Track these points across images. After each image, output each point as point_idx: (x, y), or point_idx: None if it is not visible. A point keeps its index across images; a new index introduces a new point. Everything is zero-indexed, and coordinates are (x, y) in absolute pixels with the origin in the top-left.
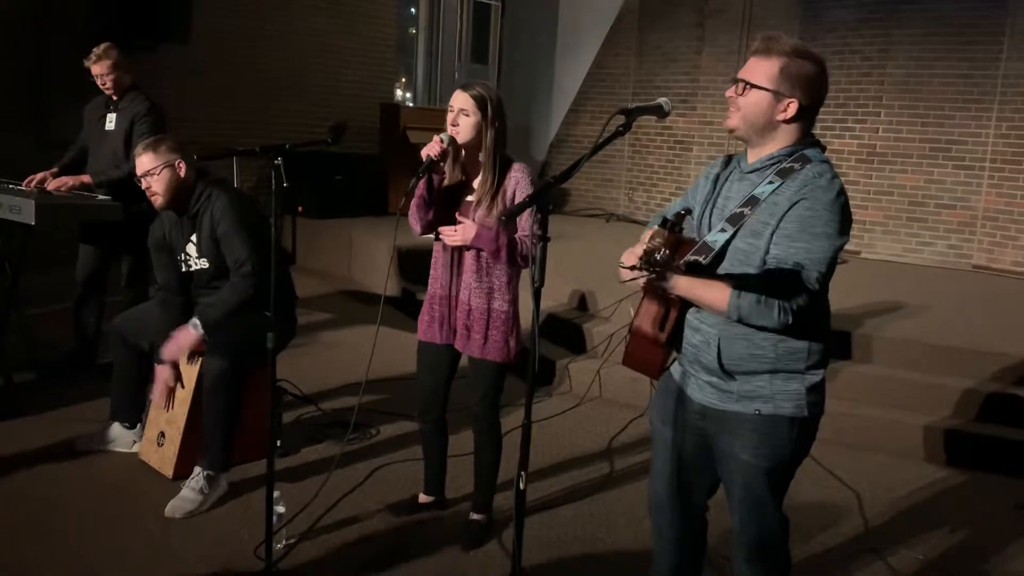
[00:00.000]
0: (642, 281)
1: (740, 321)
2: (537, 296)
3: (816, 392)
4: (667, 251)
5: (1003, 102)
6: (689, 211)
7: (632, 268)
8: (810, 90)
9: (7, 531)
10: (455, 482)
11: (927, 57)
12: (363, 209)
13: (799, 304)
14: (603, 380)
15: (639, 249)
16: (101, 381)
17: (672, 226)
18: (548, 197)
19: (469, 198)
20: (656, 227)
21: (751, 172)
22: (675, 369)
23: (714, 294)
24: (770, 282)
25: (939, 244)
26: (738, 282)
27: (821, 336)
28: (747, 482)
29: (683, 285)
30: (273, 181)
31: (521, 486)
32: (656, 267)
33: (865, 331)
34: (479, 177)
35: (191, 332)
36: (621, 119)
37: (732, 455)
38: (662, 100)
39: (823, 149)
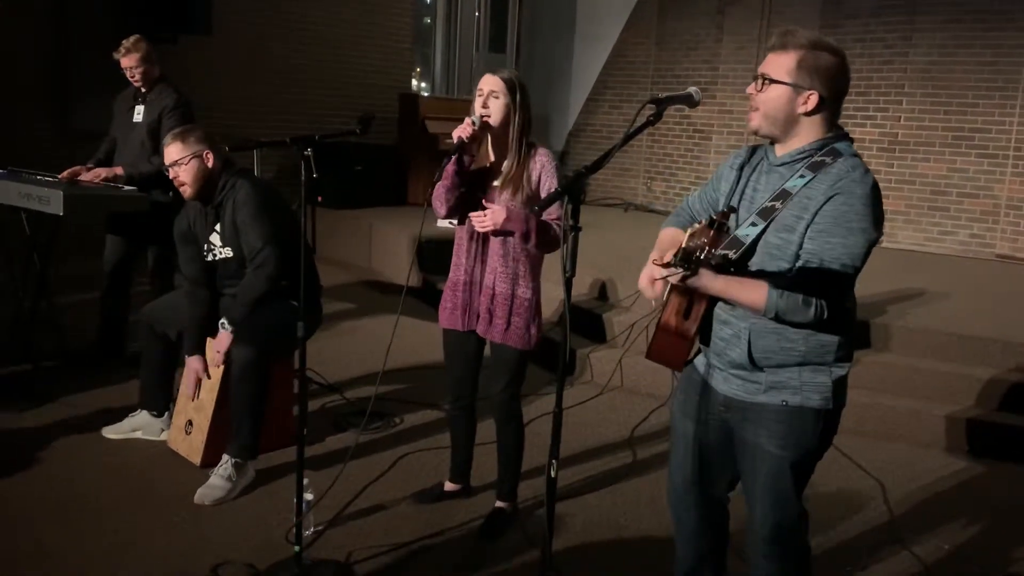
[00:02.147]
0: (675, 279)
1: (777, 318)
2: (569, 285)
3: (841, 385)
4: (711, 251)
5: None
6: (734, 209)
7: (667, 265)
8: (830, 81)
9: (36, 518)
10: (480, 470)
11: (950, 45)
12: (382, 199)
13: (835, 300)
14: (624, 369)
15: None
16: (128, 370)
17: (719, 226)
18: (580, 187)
19: (495, 183)
20: (698, 225)
21: (780, 165)
22: (699, 361)
23: (752, 294)
24: (807, 279)
25: (962, 233)
26: (775, 280)
27: (848, 329)
28: (772, 473)
29: (719, 286)
30: (303, 172)
31: (552, 474)
32: (694, 265)
33: (888, 321)
34: (505, 161)
35: (224, 333)
36: (650, 108)
37: (757, 446)
38: (692, 89)
39: (851, 141)
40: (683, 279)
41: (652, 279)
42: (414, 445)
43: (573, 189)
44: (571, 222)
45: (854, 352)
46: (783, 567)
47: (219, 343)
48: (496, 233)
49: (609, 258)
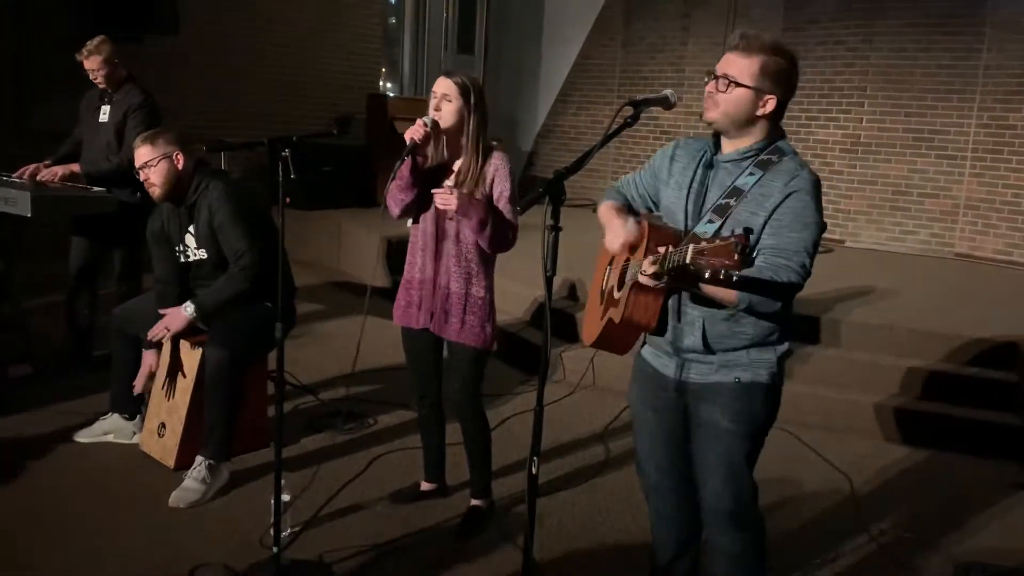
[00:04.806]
0: (656, 284)
1: (747, 309)
2: (549, 284)
3: (782, 362)
4: (716, 268)
5: (984, 93)
6: (751, 231)
7: (653, 276)
8: (787, 85)
9: (8, 526)
10: (455, 469)
11: (910, 48)
12: (351, 200)
13: (796, 288)
14: (596, 368)
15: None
16: (96, 373)
17: (748, 253)
18: (560, 188)
19: (448, 182)
20: (713, 242)
21: (727, 162)
22: (646, 351)
23: (725, 290)
24: (773, 271)
25: (922, 233)
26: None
27: (789, 312)
28: (727, 449)
29: (701, 285)
30: (280, 173)
31: (534, 470)
32: (684, 279)
33: (851, 318)
34: (460, 162)
35: (182, 314)
36: (628, 110)
37: (713, 423)
38: (668, 92)
39: (787, 139)
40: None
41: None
42: (389, 445)
43: (553, 190)
44: (551, 222)
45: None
46: (740, 537)
47: (172, 319)
48: (452, 217)
49: (578, 258)
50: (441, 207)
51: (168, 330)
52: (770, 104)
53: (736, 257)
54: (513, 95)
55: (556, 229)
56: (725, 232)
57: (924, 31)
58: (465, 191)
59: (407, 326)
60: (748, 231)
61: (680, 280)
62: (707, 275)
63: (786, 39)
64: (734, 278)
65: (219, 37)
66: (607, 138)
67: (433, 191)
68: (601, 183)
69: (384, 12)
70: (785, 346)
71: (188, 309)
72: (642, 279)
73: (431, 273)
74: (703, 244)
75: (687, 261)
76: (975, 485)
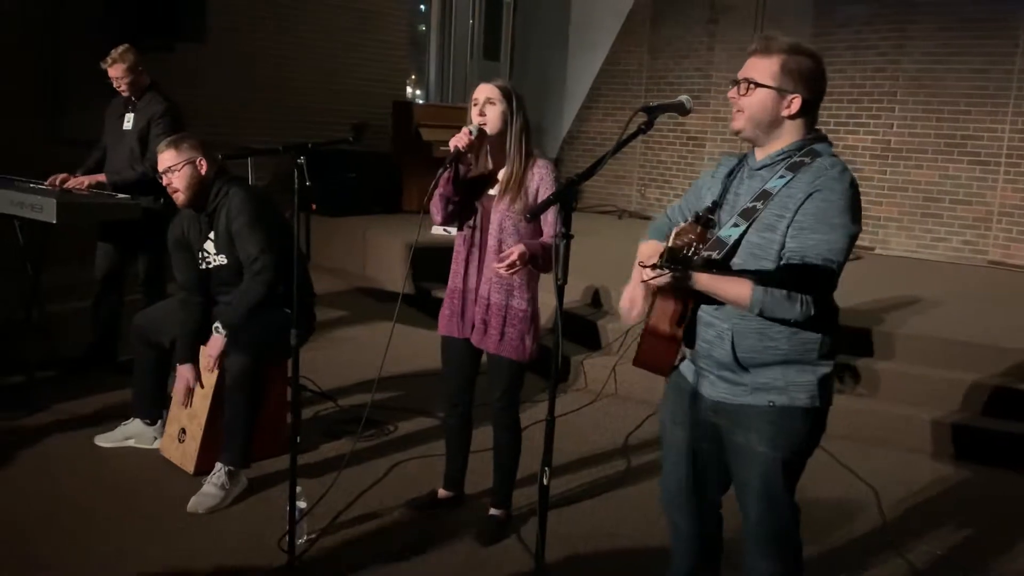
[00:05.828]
0: (661, 281)
1: (762, 315)
2: (560, 293)
3: (827, 383)
4: (699, 246)
5: (1019, 97)
6: (718, 204)
7: (653, 267)
8: (811, 84)
9: (28, 528)
10: (473, 477)
11: (941, 52)
12: (376, 207)
13: (820, 295)
14: (618, 377)
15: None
16: (120, 378)
17: (706, 221)
18: (571, 195)
19: (492, 191)
20: (684, 223)
21: (760, 169)
22: (686, 367)
23: (736, 289)
24: (792, 275)
25: (954, 240)
26: (759, 276)
27: (831, 327)
28: (764, 474)
29: (704, 281)
30: (296, 180)
31: (545, 481)
32: (680, 265)
33: (882, 327)
34: (503, 169)
35: (217, 337)
36: (642, 117)
37: (748, 448)
38: (683, 98)
39: (830, 144)
40: (672, 279)
41: (631, 298)
42: (408, 452)
43: (564, 197)
44: (563, 230)
45: (840, 354)
46: (779, 564)
47: (212, 347)
48: (526, 257)
49: (603, 265)
50: (510, 275)
51: (212, 357)
52: (795, 104)
53: (698, 229)
54: (539, 101)
55: (567, 236)
56: (751, 235)
57: (956, 35)
58: (508, 198)
59: (450, 335)
60: (716, 204)
61: (672, 263)
62: (685, 253)
63: (816, 44)
64: (696, 262)
65: (245, 45)
66: (619, 145)
67: (495, 267)
68: (627, 189)
69: (411, 19)
70: (828, 367)
71: (219, 331)
72: (644, 274)
73: (473, 283)
74: (680, 224)
75: (669, 244)
76: (1009, 500)
